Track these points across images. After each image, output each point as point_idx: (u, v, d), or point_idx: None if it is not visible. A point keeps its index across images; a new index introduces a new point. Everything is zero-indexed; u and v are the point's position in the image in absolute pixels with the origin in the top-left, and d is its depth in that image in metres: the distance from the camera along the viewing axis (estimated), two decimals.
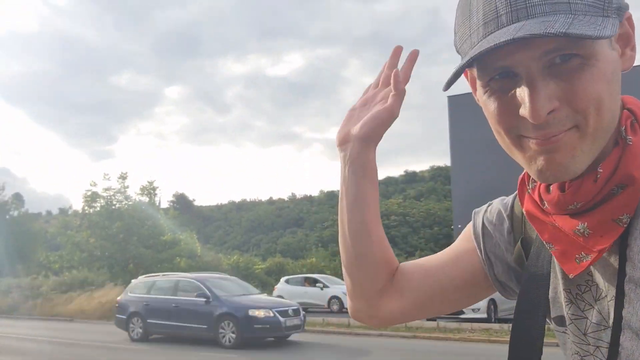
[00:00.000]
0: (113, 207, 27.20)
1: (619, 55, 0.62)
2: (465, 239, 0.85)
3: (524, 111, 0.58)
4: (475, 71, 0.64)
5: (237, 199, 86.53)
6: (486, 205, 0.86)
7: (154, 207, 28.68)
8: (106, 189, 27.29)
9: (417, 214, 56.57)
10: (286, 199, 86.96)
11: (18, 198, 39.08)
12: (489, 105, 0.64)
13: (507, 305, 14.56)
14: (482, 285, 0.83)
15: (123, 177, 27.68)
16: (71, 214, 31.56)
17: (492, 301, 14.03)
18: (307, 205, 78.46)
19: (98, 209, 27.06)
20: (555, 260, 0.70)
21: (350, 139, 0.84)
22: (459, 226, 21.43)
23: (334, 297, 19.92)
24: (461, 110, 28.99)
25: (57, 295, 22.34)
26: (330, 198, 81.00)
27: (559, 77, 0.58)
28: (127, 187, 27.75)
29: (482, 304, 13.68)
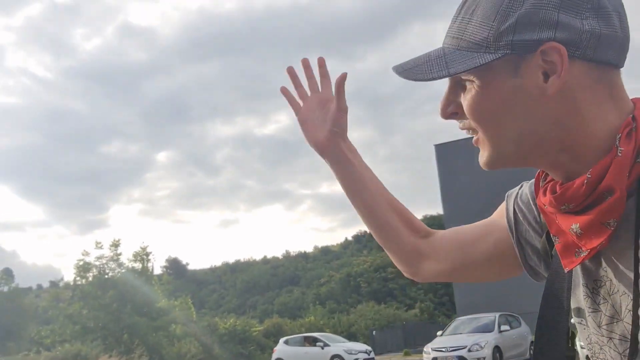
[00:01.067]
0: (106, 275, 26.76)
1: (539, 81, 0.67)
2: (498, 217, 0.91)
3: None
4: None
5: (231, 260, 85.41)
6: (518, 187, 0.89)
7: (147, 273, 28.24)
8: (98, 258, 26.95)
9: None
10: (280, 257, 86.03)
11: (7, 273, 38.31)
12: None
13: (513, 351, 14.32)
14: (510, 264, 0.89)
15: (115, 244, 27.41)
16: (62, 286, 30.88)
17: (497, 349, 13.76)
18: (302, 262, 77.49)
19: (90, 278, 26.59)
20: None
21: (327, 145, 0.98)
22: None
23: (336, 355, 19.39)
24: (449, 158, 29.33)
25: None
26: (325, 253, 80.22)
27: (464, 91, 0.72)
28: (120, 254, 27.45)
29: (487, 351, 13.41)
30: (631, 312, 0.67)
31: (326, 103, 1.00)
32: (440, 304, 48.10)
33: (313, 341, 20.55)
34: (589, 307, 0.74)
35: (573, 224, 0.68)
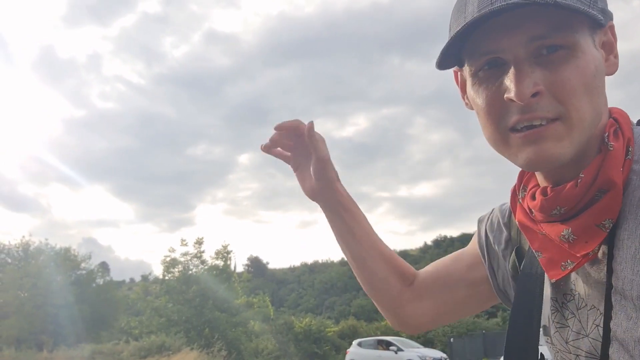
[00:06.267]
0: (190, 272, 28.02)
1: (603, 59, 0.64)
2: (472, 243, 0.89)
3: (510, 94, 0.60)
4: (465, 69, 0.67)
5: (310, 261, 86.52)
6: (489, 212, 0.88)
7: (228, 270, 29.25)
8: (183, 254, 28.26)
9: None
10: None
11: (103, 266, 41.19)
12: (477, 98, 0.65)
13: None
14: (487, 290, 0.87)
15: (199, 242, 28.61)
16: (152, 280, 32.72)
17: None
18: None
19: (176, 274, 27.94)
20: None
21: (316, 193, 0.93)
22: None
23: None
24: None
25: None
26: (403, 257, 78.80)
27: (545, 67, 0.60)
28: (203, 251, 28.62)
29: None
30: (598, 328, 0.64)
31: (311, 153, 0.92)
32: None
33: (386, 345, 20.38)
34: (557, 323, 0.71)
35: (564, 230, 0.63)
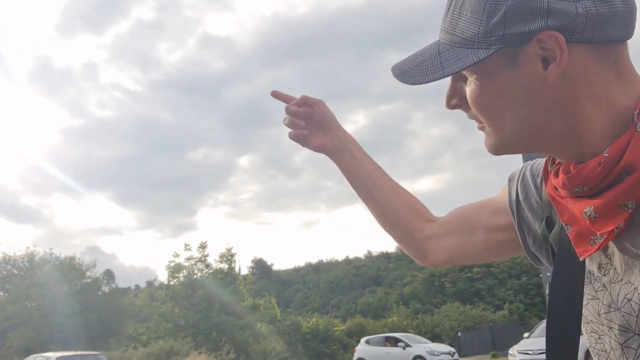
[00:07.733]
0: (194, 276, 28.06)
1: (539, 70, 0.64)
2: (501, 196, 0.89)
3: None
4: None
5: (314, 261, 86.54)
6: (519, 169, 0.86)
7: (233, 273, 29.29)
8: (188, 259, 28.30)
9: (502, 264, 53.95)
10: (362, 257, 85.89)
11: (108, 274, 41.10)
12: None
13: None
14: (512, 242, 0.86)
15: (203, 246, 28.67)
16: (157, 286, 32.79)
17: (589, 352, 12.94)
18: (384, 262, 76.88)
19: (181, 279, 27.99)
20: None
21: (324, 140, 1.05)
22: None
23: (418, 356, 19.11)
24: None
25: None
26: None
27: (466, 83, 0.71)
28: (207, 255, 28.67)
29: (580, 354, 12.64)
30: (630, 302, 0.64)
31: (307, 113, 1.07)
32: (532, 305, 45.67)
33: (394, 341, 20.40)
34: (588, 294, 0.71)
35: (587, 207, 0.64)
